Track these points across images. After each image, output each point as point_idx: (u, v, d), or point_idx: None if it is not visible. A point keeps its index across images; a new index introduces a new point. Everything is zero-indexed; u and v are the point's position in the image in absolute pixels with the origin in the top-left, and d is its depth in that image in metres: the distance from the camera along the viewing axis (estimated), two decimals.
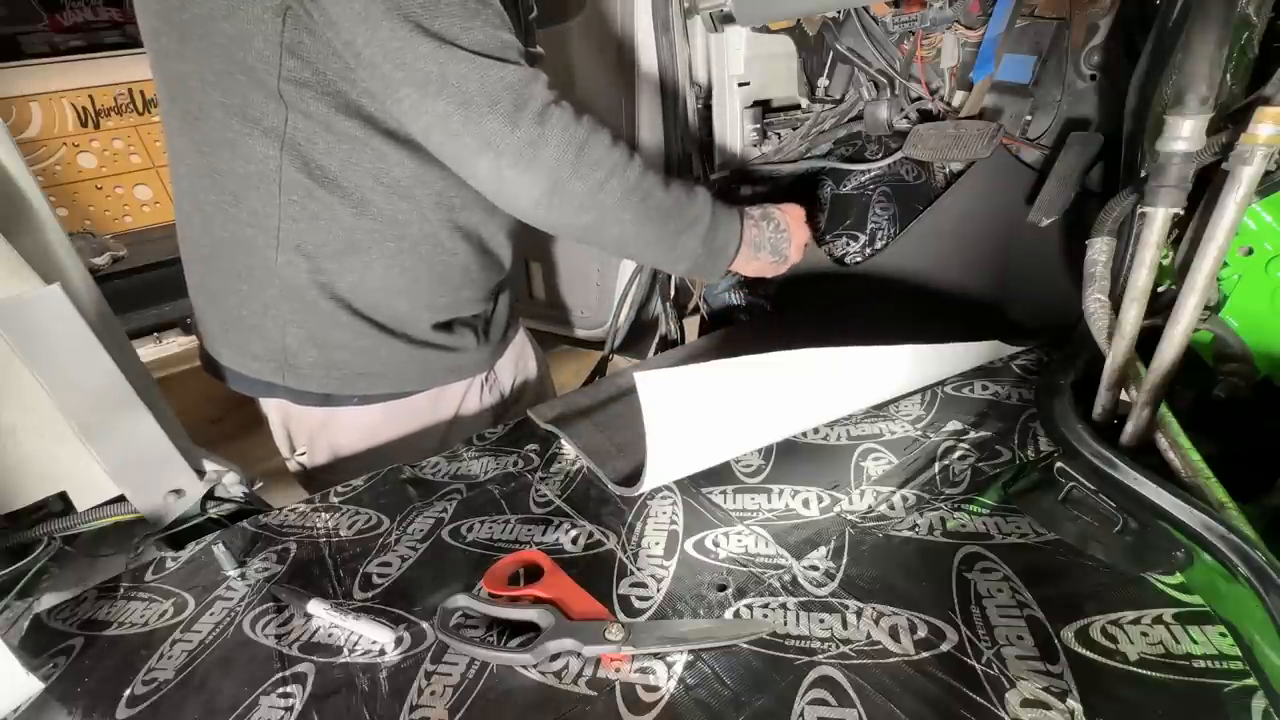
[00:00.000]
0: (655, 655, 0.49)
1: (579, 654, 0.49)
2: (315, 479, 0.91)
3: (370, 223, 0.73)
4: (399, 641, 0.52)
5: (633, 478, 0.68)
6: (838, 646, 0.48)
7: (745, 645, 0.49)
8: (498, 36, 0.64)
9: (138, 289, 1.93)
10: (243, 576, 0.62)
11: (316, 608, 0.56)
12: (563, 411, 0.83)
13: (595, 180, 0.68)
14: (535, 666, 0.49)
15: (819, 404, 0.72)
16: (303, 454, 0.91)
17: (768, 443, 0.71)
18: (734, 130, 1.20)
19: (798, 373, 0.66)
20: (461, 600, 0.53)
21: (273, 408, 0.90)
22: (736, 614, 0.52)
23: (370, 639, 0.53)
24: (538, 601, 0.53)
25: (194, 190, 0.74)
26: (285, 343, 0.78)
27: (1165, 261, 0.66)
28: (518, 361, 1.03)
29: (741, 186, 1.21)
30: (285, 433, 0.91)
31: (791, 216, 0.89)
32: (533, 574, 0.56)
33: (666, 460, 0.63)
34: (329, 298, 0.76)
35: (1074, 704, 0.42)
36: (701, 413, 0.63)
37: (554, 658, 0.50)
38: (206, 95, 0.67)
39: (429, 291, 0.81)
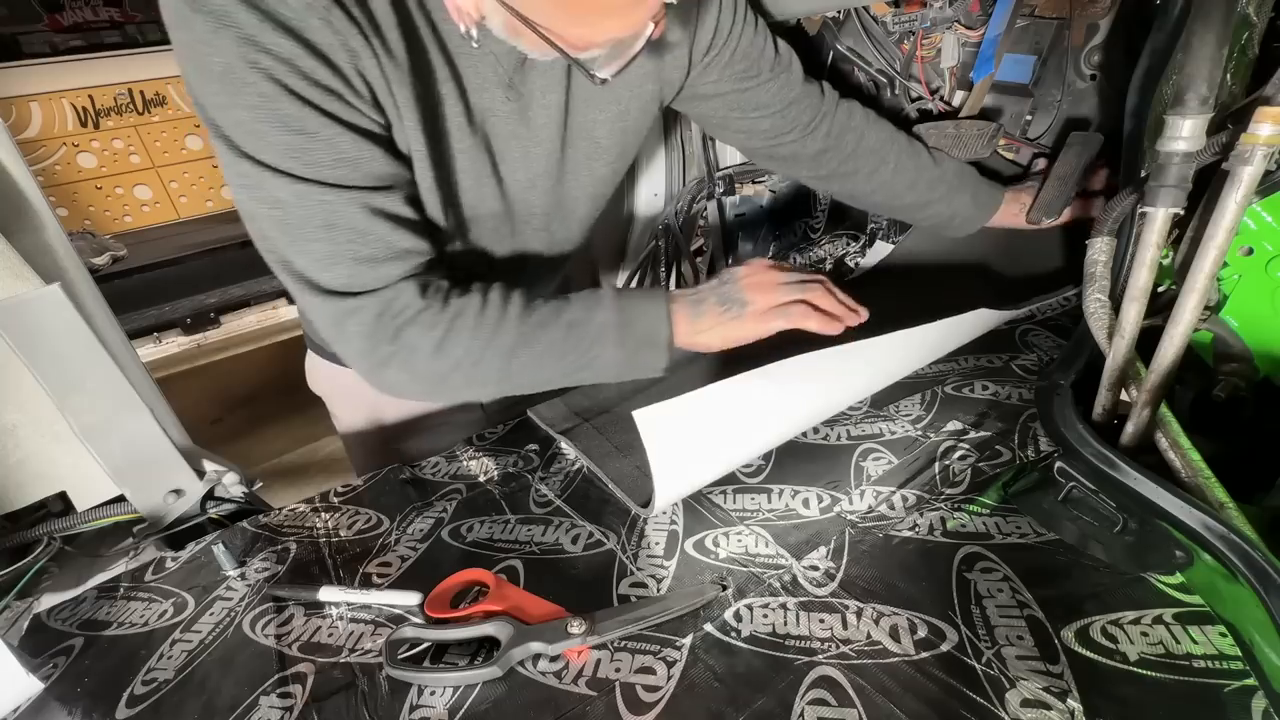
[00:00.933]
0: (622, 638, 0.51)
1: (544, 654, 0.50)
2: (347, 446, 0.95)
3: None
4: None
5: (633, 480, 0.68)
6: (838, 646, 0.48)
7: (745, 645, 0.49)
8: (357, 272, 0.58)
9: (138, 289, 1.93)
10: (243, 576, 0.62)
11: (329, 594, 0.56)
12: (562, 413, 0.82)
13: (468, 367, 0.63)
14: (505, 678, 0.49)
15: (820, 405, 0.72)
16: (337, 419, 0.95)
17: (771, 448, 0.71)
18: None
19: (796, 379, 0.66)
20: (409, 631, 0.52)
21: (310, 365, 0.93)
22: (737, 614, 0.52)
23: (396, 604, 0.55)
24: (490, 615, 0.52)
25: None
26: None
27: (1165, 261, 0.66)
28: None
29: (743, 187, 1.21)
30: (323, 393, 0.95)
31: (746, 267, 0.71)
32: (476, 592, 0.56)
33: (673, 486, 0.63)
34: None
35: (1074, 704, 0.42)
36: (703, 436, 0.63)
37: (522, 663, 0.50)
38: None
39: None
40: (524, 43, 0.54)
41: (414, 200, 0.62)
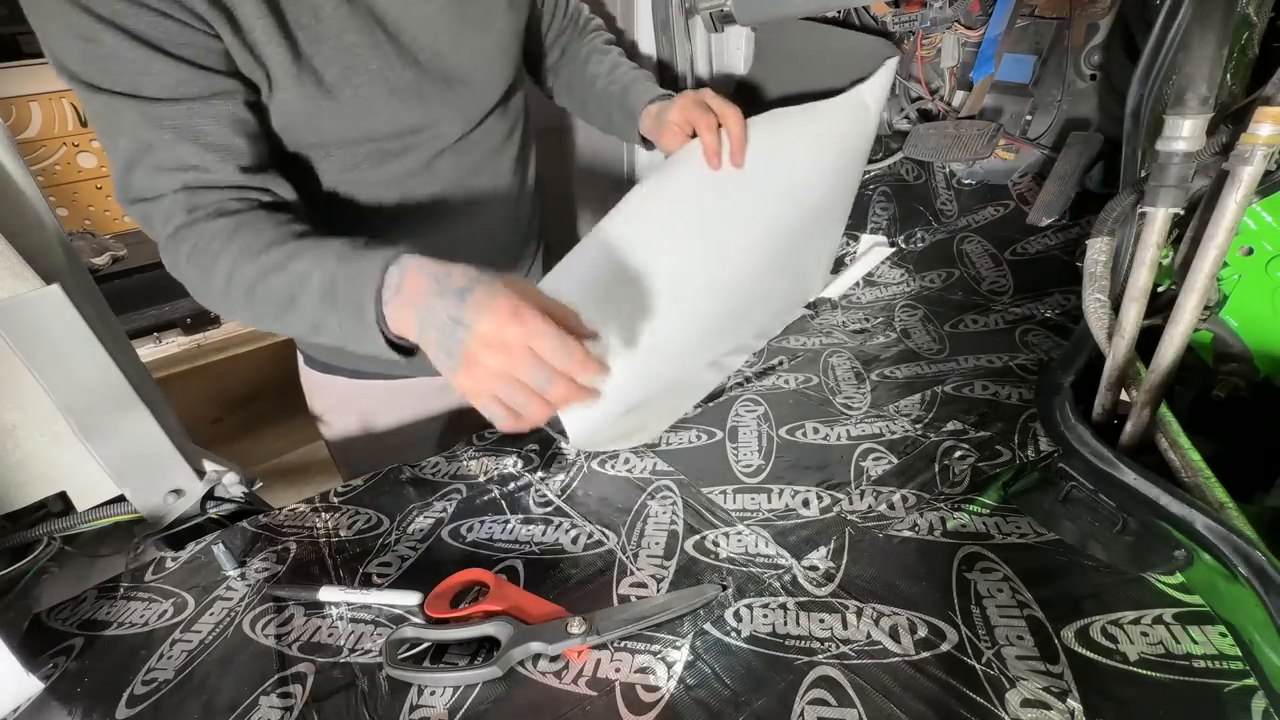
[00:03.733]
0: (622, 638, 0.51)
1: (544, 654, 0.50)
2: (331, 448, 0.95)
3: None
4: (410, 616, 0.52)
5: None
6: (838, 646, 0.48)
7: (745, 645, 0.49)
8: (144, 179, 0.58)
9: (138, 289, 1.92)
10: (242, 576, 0.62)
11: (329, 594, 0.56)
12: None
13: (220, 294, 0.60)
14: (505, 678, 0.49)
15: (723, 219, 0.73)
16: (324, 423, 0.94)
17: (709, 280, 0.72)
18: None
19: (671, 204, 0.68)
20: (409, 631, 0.52)
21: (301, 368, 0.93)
22: (736, 614, 0.52)
23: (396, 604, 0.55)
24: (490, 615, 0.52)
25: None
26: None
27: (1165, 261, 0.66)
28: None
29: None
30: (308, 393, 0.94)
31: (492, 314, 0.48)
32: (476, 592, 0.57)
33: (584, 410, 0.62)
34: None
35: (1074, 704, 0.42)
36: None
37: (522, 663, 0.50)
38: None
39: None
40: None
41: (229, 119, 0.58)
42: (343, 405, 0.90)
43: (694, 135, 0.75)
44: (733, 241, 0.78)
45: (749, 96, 1.18)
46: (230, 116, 0.59)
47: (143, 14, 0.53)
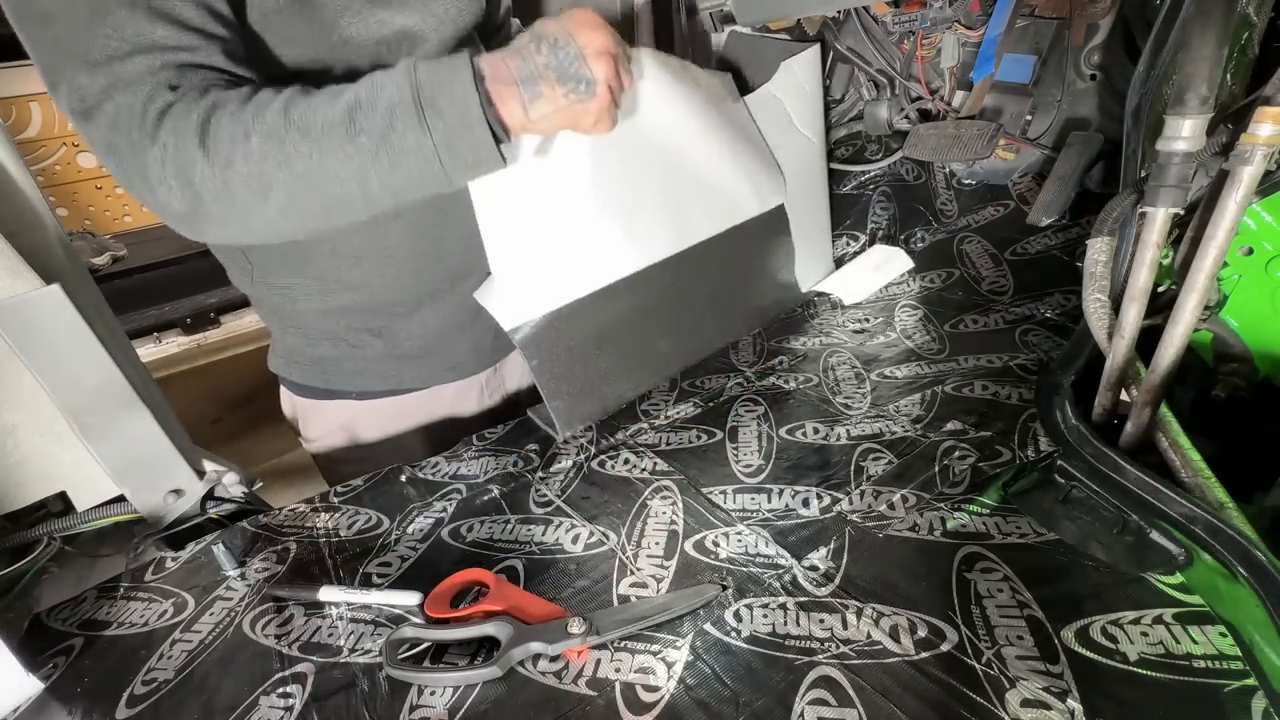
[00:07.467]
0: (622, 638, 0.51)
1: (544, 654, 0.50)
2: (321, 466, 0.94)
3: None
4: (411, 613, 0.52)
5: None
6: (838, 646, 0.48)
7: (745, 645, 0.49)
8: (111, 70, 0.49)
9: (138, 289, 1.92)
10: (242, 576, 0.62)
11: (329, 594, 0.56)
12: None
13: (242, 164, 0.51)
14: (505, 678, 0.49)
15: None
16: (309, 440, 0.93)
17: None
18: None
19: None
20: (409, 631, 0.52)
21: (284, 395, 0.92)
22: (736, 614, 0.52)
23: (396, 603, 0.55)
24: (490, 616, 0.52)
25: None
26: (286, 341, 0.82)
27: (1165, 261, 0.66)
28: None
29: None
30: (294, 418, 0.93)
31: (578, 23, 0.54)
32: (476, 592, 0.57)
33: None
34: (292, 314, 0.79)
35: (1074, 704, 0.42)
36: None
37: (522, 663, 0.50)
38: None
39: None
40: None
41: (208, 9, 0.52)
42: (340, 428, 0.88)
43: None
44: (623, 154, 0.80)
45: None
46: (209, 7, 0.51)
47: None
